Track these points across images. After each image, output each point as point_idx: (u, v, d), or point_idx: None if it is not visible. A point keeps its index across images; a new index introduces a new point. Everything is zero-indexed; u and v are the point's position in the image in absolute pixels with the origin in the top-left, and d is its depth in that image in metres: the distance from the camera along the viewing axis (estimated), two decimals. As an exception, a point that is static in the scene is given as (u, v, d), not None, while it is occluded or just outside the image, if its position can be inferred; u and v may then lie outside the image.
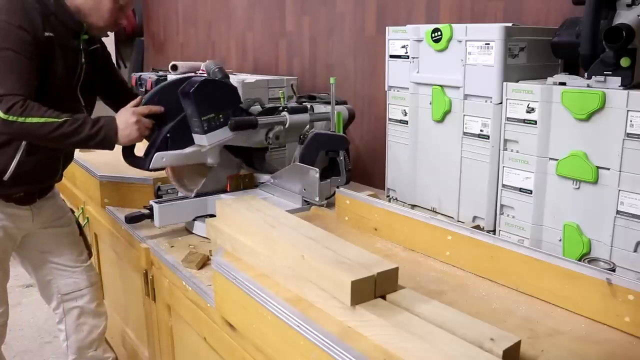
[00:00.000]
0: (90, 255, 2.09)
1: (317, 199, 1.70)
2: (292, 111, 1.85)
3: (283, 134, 1.84)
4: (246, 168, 1.93)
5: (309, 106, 1.94)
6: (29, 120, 1.50)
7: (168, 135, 1.66)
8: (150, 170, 1.70)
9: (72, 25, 1.69)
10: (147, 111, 1.65)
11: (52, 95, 1.62)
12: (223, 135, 1.70)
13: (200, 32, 3.89)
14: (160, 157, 1.65)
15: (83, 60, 1.76)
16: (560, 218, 1.38)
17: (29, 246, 1.93)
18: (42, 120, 1.51)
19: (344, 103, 2.06)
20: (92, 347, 2.09)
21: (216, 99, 1.68)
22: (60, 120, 1.53)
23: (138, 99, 1.71)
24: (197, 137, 1.69)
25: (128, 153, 1.69)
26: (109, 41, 2.90)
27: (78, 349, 2.07)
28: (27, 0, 1.60)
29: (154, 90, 1.71)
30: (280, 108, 1.88)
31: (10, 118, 1.48)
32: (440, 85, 1.64)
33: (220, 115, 1.68)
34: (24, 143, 1.67)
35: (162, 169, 1.72)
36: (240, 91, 1.97)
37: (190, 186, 1.78)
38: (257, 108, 1.85)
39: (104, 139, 1.58)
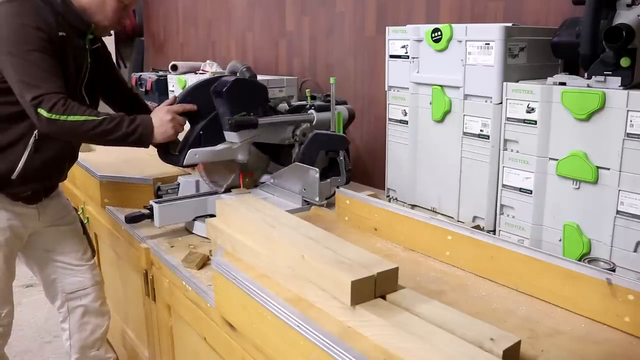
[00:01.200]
0: (93, 254, 2.09)
1: (317, 199, 1.70)
2: (319, 109, 1.92)
3: (310, 131, 1.88)
4: (273, 164, 1.98)
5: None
6: (70, 118, 1.53)
7: (201, 132, 1.72)
8: (184, 167, 1.76)
9: (79, 25, 1.70)
10: (182, 109, 1.69)
11: None
12: (253, 132, 1.75)
13: (200, 32, 3.88)
14: (194, 154, 1.70)
15: (89, 59, 1.77)
16: (560, 218, 1.38)
17: (34, 245, 1.94)
18: (83, 118, 1.54)
19: (344, 103, 2.07)
20: (94, 346, 2.09)
21: (247, 97, 1.74)
22: (99, 118, 1.57)
23: (172, 97, 1.77)
24: (228, 135, 1.73)
25: (162, 150, 1.74)
26: (109, 41, 2.90)
27: (81, 348, 2.07)
28: (37, 1, 1.61)
29: (187, 90, 1.77)
30: (307, 106, 1.94)
31: (54, 116, 1.51)
32: (440, 85, 1.64)
33: (251, 113, 1.73)
34: (31, 142, 1.68)
35: (195, 165, 1.77)
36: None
37: (220, 182, 1.83)
38: (284, 106, 1.91)
39: (140, 136, 1.62)
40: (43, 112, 1.51)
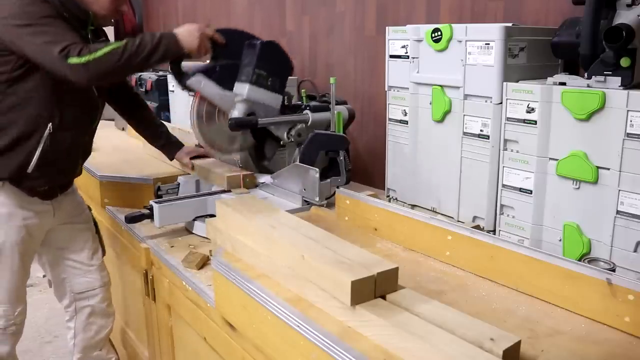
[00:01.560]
0: (104, 253, 2.09)
1: (317, 199, 1.70)
2: (315, 109, 1.92)
3: (305, 131, 1.88)
4: (254, 158, 2.00)
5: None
6: (99, 54, 1.54)
7: (217, 68, 1.77)
8: (185, 89, 1.80)
9: (78, 13, 1.70)
10: (212, 34, 1.72)
11: (72, 84, 1.62)
12: (261, 96, 1.80)
13: (200, 32, 3.88)
14: (200, 81, 1.76)
15: None
16: (560, 218, 1.38)
17: (48, 243, 1.94)
18: (108, 49, 1.56)
19: (344, 103, 2.07)
20: (97, 347, 2.10)
21: (275, 62, 1.81)
22: (122, 44, 1.58)
23: (205, 23, 1.79)
24: (239, 86, 1.79)
25: (176, 67, 1.78)
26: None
27: (84, 348, 2.08)
28: None
29: (222, 29, 1.80)
30: (303, 107, 1.94)
31: (84, 59, 1.52)
32: (440, 85, 1.64)
33: (270, 78, 1.79)
34: (45, 134, 1.68)
35: (194, 92, 1.81)
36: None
37: (205, 122, 1.87)
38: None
39: (167, 48, 1.63)
40: (74, 59, 1.52)
